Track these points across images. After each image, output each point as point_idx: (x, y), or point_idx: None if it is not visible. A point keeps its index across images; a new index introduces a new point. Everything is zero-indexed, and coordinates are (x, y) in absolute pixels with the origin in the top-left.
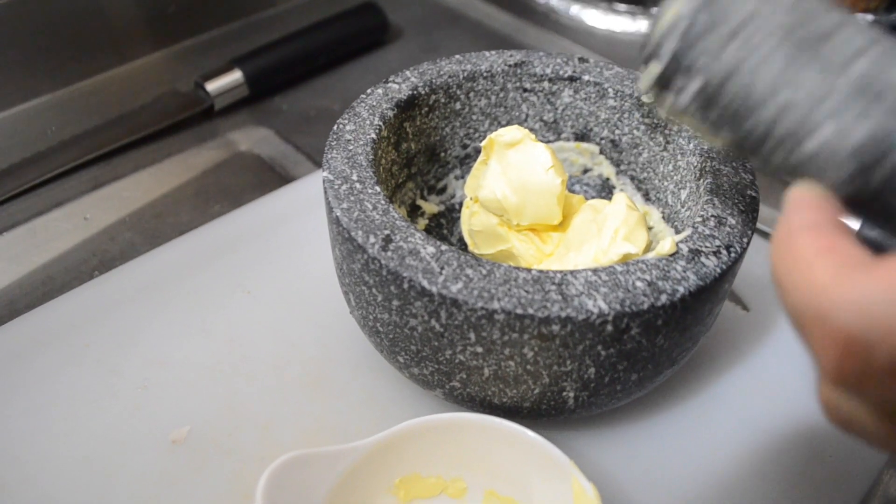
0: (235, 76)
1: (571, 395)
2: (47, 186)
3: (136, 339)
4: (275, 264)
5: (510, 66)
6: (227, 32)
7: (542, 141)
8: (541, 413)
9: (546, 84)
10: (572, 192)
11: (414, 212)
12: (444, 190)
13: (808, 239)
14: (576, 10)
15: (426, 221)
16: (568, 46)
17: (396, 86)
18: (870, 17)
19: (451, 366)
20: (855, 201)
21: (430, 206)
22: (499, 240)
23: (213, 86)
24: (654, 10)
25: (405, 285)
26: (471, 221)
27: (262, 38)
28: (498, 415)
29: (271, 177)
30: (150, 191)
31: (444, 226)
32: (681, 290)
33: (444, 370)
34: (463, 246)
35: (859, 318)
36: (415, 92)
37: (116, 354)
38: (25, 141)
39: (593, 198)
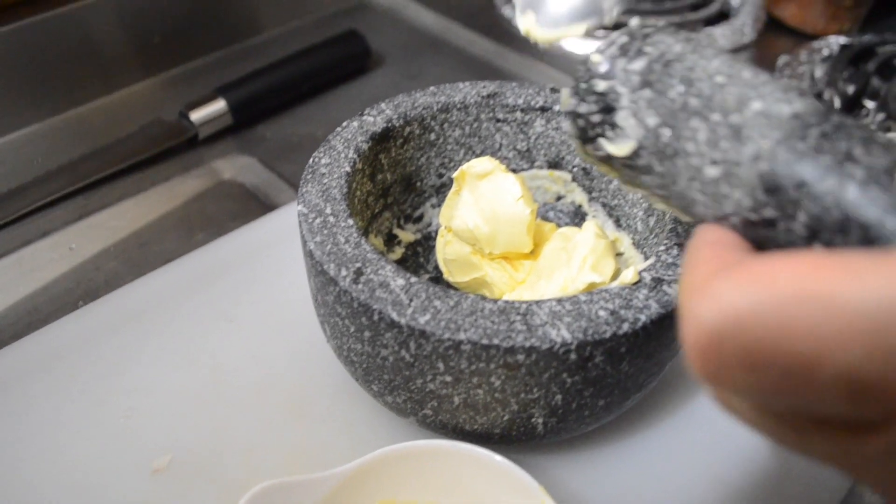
0: (219, 105)
1: (540, 421)
2: (34, 216)
3: (119, 369)
4: (257, 292)
5: (483, 97)
6: (211, 61)
7: (516, 169)
8: (511, 439)
9: (518, 114)
10: (546, 218)
11: (391, 240)
12: (420, 218)
13: (701, 251)
14: None
15: (403, 250)
16: (548, 72)
17: (371, 118)
18: (843, 39)
19: (422, 394)
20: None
21: (407, 235)
22: (472, 268)
23: (196, 115)
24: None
25: (375, 317)
26: (445, 250)
27: (246, 67)
28: (470, 441)
29: (254, 205)
30: (135, 220)
31: (421, 254)
32: (643, 318)
33: (416, 398)
34: (439, 274)
35: (712, 312)
36: (389, 124)
37: (100, 384)
38: (13, 171)
39: (567, 224)
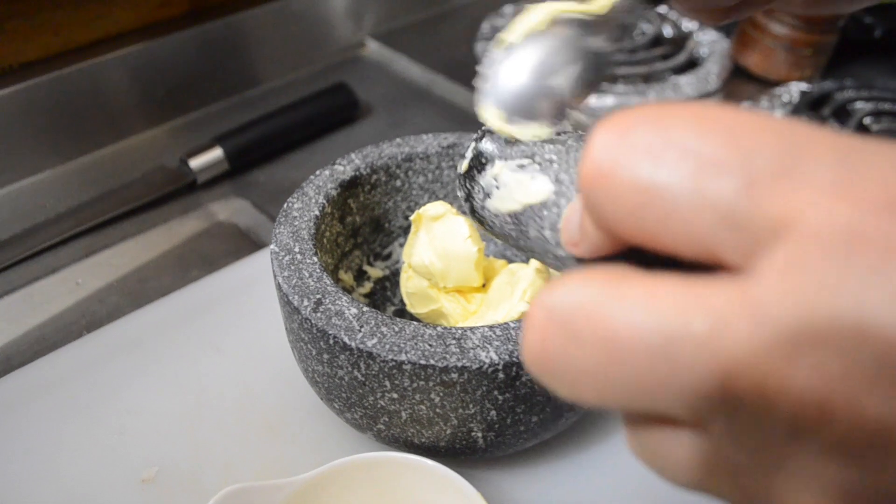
0: (216, 153)
1: (479, 435)
2: (44, 254)
3: (116, 391)
4: (243, 323)
5: (444, 147)
6: (211, 112)
7: None
8: (456, 452)
9: None
10: (504, 255)
11: (360, 276)
12: (389, 256)
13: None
14: None
15: (372, 285)
16: None
17: (342, 167)
18: (804, 86)
19: (374, 410)
20: None
21: (375, 271)
22: (430, 300)
23: (195, 162)
24: (602, 85)
25: (331, 341)
26: (407, 284)
27: (244, 117)
28: (420, 454)
29: (246, 244)
30: (136, 258)
31: (389, 288)
32: None
33: (370, 414)
34: (404, 306)
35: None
36: (357, 172)
37: (98, 404)
38: (27, 213)
39: (521, 260)
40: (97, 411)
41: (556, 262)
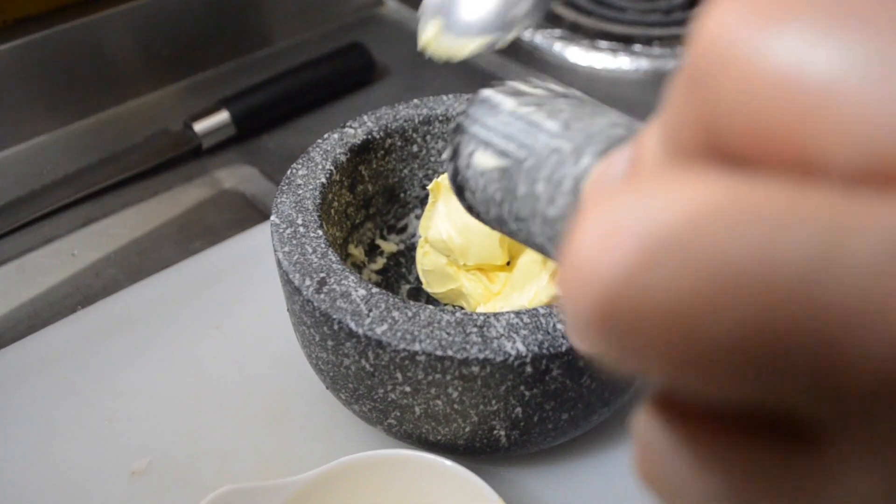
0: (222, 116)
1: (502, 433)
2: (39, 223)
3: (108, 373)
4: (246, 300)
5: None
6: (219, 73)
7: None
8: (476, 451)
9: None
10: None
11: (373, 251)
12: (404, 229)
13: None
14: (559, 48)
15: (385, 260)
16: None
17: (352, 130)
18: None
19: (385, 404)
20: None
21: (389, 246)
22: (449, 279)
23: (200, 126)
24: (636, 47)
25: (335, 326)
26: (423, 261)
27: (254, 79)
28: (436, 452)
29: (253, 214)
30: (136, 228)
31: (403, 264)
32: None
33: (379, 408)
34: (420, 284)
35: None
36: (370, 136)
37: (88, 387)
38: (21, 179)
39: None
40: (88, 394)
41: (544, 228)
